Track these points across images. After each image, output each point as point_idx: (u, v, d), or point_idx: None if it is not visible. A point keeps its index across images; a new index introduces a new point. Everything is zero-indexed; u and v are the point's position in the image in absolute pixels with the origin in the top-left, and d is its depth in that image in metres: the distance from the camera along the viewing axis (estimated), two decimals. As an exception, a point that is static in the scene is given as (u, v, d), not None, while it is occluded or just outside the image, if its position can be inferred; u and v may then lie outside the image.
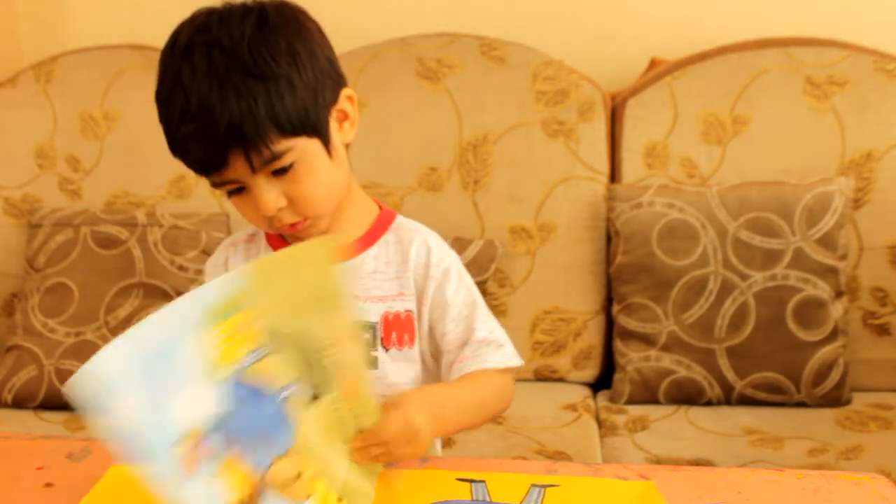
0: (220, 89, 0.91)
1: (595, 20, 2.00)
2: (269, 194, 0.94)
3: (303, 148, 0.95)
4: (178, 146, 0.96)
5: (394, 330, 1.03)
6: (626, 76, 1.95)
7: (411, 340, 1.04)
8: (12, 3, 2.15)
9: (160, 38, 2.14)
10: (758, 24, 1.89)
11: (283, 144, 0.93)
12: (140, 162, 1.92)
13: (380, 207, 1.09)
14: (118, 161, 1.93)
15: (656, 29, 1.98)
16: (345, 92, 1.01)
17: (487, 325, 1.05)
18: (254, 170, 0.93)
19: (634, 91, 1.85)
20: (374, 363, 1.02)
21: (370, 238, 1.05)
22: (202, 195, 1.89)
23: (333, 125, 0.99)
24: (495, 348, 1.04)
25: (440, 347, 1.05)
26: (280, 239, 1.06)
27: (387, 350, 1.03)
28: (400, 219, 1.08)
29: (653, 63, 1.92)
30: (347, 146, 1.02)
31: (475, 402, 1.00)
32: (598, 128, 1.84)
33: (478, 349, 1.03)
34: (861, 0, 1.93)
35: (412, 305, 1.04)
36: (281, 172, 0.94)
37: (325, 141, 0.97)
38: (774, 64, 1.80)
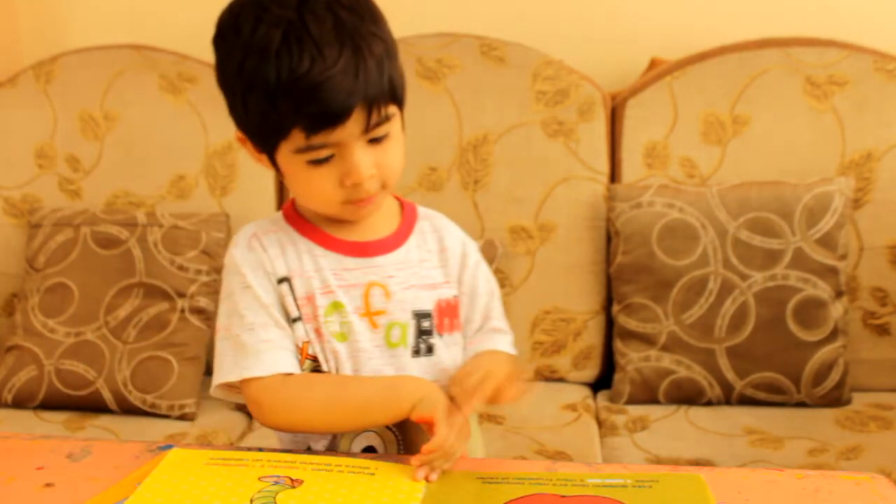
0: (352, 45, 0.92)
1: (595, 20, 2.00)
2: (367, 158, 0.95)
3: (397, 119, 0.98)
4: (300, 95, 0.91)
5: (445, 316, 1.05)
6: (626, 76, 1.95)
7: (459, 325, 1.07)
8: (12, 3, 2.15)
9: (160, 38, 2.15)
10: (758, 24, 1.89)
11: (390, 109, 0.96)
12: (140, 162, 1.92)
13: (394, 196, 1.10)
14: (118, 161, 1.93)
15: (656, 29, 1.98)
16: None
17: (501, 316, 1.10)
18: (367, 129, 0.93)
19: (634, 91, 1.85)
20: (431, 350, 1.03)
21: (406, 228, 1.06)
22: (202, 195, 1.89)
23: None
24: (504, 338, 1.09)
25: (464, 330, 1.08)
26: (311, 226, 1.03)
27: (441, 336, 1.04)
28: (420, 208, 1.10)
29: (653, 63, 1.92)
30: None
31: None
32: (598, 128, 1.84)
33: (491, 334, 1.08)
34: (861, 0, 1.93)
35: (455, 291, 1.06)
36: (376, 140, 0.95)
37: (402, 112, 1.00)
38: (774, 64, 1.80)
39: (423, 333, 1.03)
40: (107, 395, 1.72)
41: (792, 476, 0.91)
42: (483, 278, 1.08)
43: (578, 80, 1.85)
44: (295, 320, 1.01)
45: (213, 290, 1.80)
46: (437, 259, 1.06)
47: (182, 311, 1.76)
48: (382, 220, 1.05)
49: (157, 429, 1.67)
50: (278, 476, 0.89)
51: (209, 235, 1.81)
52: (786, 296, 1.67)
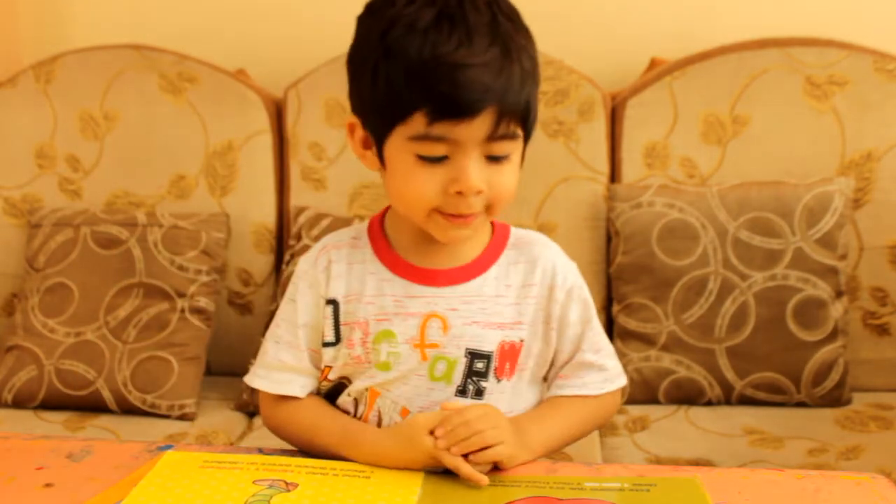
0: (503, 45, 0.89)
1: (595, 20, 2.00)
2: (481, 172, 0.90)
3: (519, 144, 0.94)
4: (436, 74, 0.87)
5: (507, 360, 0.99)
6: (626, 76, 1.95)
7: (512, 372, 1.01)
8: (12, 3, 2.15)
9: (160, 38, 2.15)
10: (758, 24, 1.89)
11: (520, 130, 0.92)
12: (140, 162, 1.92)
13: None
14: (118, 161, 1.93)
15: (656, 29, 1.98)
16: None
17: (595, 344, 1.04)
18: (490, 138, 0.89)
19: (634, 91, 1.85)
20: (481, 393, 0.99)
21: (490, 257, 1.01)
22: (202, 195, 1.89)
23: None
24: (597, 371, 1.04)
25: (554, 361, 1.04)
26: (387, 245, 1.01)
27: (498, 381, 0.99)
28: (515, 231, 1.04)
29: (653, 63, 1.92)
30: None
31: (567, 426, 1.01)
32: (598, 128, 1.84)
33: (579, 370, 1.03)
34: (861, 0, 1.93)
35: (526, 334, 1.00)
36: (495, 159, 0.91)
37: (525, 146, 0.96)
38: (774, 64, 1.80)
39: (474, 374, 0.98)
40: (107, 395, 1.72)
41: (792, 476, 0.91)
42: (575, 309, 1.02)
43: (578, 80, 1.85)
44: (327, 344, 1.01)
45: (213, 290, 1.80)
46: (514, 296, 1.00)
47: (182, 311, 1.76)
48: (468, 245, 1.00)
49: (157, 429, 1.67)
50: (273, 479, 0.88)
51: (209, 235, 1.81)
52: (786, 296, 1.67)
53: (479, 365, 0.98)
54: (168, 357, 1.73)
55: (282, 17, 2.07)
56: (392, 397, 0.99)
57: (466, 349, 0.97)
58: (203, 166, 1.89)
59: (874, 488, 0.88)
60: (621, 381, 1.06)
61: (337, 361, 1.01)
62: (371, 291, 0.99)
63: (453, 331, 0.97)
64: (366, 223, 1.04)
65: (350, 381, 1.02)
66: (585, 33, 2.00)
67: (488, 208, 0.94)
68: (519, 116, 0.90)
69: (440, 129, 0.88)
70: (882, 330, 1.77)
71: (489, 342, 0.98)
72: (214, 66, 1.94)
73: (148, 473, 0.90)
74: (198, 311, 1.78)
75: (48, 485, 0.92)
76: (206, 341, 1.78)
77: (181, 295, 1.77)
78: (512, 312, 1.00)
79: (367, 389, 1.00)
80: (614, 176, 1.84)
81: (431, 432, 0.91)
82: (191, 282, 1.78)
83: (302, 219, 1.83)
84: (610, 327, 1.81)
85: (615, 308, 1.78)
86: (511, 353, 0.99)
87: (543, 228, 1.82)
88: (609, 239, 1.81)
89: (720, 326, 1.68)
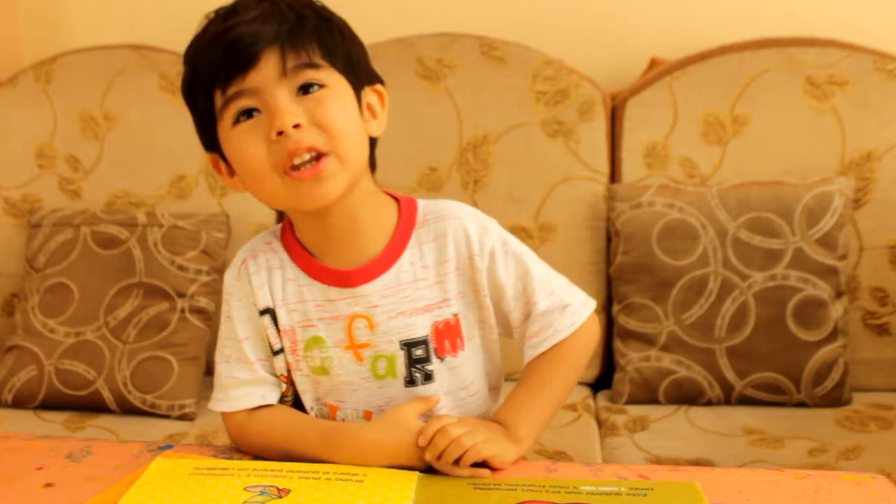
0: (271, 4, 0.91)
1: (595, 20, 2.00)
2: (293, 106, 0.89)
3: (338, 80, 0.92)
4: (213, 52, 0.90)
5: (446, 338, 0.98)
6: (626, 76, 1.95)
7: (462, 344, 1.00)
8: (12, 3, 2.15)
9: (160, 38, 2.15)
10: (758, 24, 1.89)
11: (321, 60, 0.91)
12: (140, 162, 1.92)
13: (395, 199, 1.02)
14: (118, 161, 1.93)
15: (656, 29, 1.98)
16: (377, 86, 1.00)
17: (546, 287, 1.01)
18: (285, 72, 0.89)
19: (634, 91, 1.85)
20: (430, 377, 0.98)
21: (400, 242, 0.98)
22: (202, 195, 1.89)
23: (365, 98, 0.97)
24: (560, 313, 1.01)
25: (509, 324, 1.02)
26: (300, 248, 0.99)
27: (442, 360, 0.99)
28: (422, 206, 1.01)
29: (653, 63, 1.92)
30: (374, 143, 0.99)
31: (550, 400, 1.00)
32: (598, 128, 1.84)
33: (543, 320, 1.00)
34: (861, 0, 1.93)
35: (457, 308, 0.99)
36: (308, 89, 0.90)
37: (358, 95, 0.95)
38: (774, 64, 1.80)
39: (416, 362, 0.98)
40: (107, 395, 1.72)
41: (792, 476, 0.91)
42: (503, 268, 0.99)
43: (578, 80, 1.85)
44: (277, 352, 1.00)
45: (213, 290, 1.80)
46: (434, 275, 0.98)
47: (182, 311, 1.76)
48: (373, 235, 0.98)
49: (157, 429, 1.67)
50: (265, 485, 0.87)
51: (209, 235, 1.81)
52: (786, 296, 1.67)
53: (419, 352, 0.98)
54: (168, 357, 1.73)
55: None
56: (350, 406, 1.00)
57: (400, 341, 0.97)
58: (203, 166, 1.89)
59: (874, 488, 0.88)
60: (590, 305, 1.03)
61: (285, 370, 1.01)
62: (293, 298, 0.99)
63: (381, 327, 0.97)
64: (278, 227, 1.03)
65: (301, 394, 1.02)
66: (585, 33, 2.00)
67: (333, 151, 0.90)
68: (310, 50, 0.90)
69: (233, 87, 0.89)
70: (882, 330, 1.77)
71: (421, 328, 0.97)
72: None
73: (136, 481, 0.89)
74: (198, 311, 1.78)
75: (48, 485, 0.91)
76: (206, 341, 1.78)
77: (181, 295, 1.77)
78: (436, 292, 0.98)
79: (325, 405, 1.01)
80: (614, 176, 1.84)
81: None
82: (191, 282, 1.78)
83: (302, 219, 1.83)
84: (610, 327, 1.81)
85: (615, 308, 1.78)
86: (448, 330, 0.98)
87: (543, 228, 1.82)
88: (609, 239, 1.81)
89: (720, 326, 1.68)
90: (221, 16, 0.92)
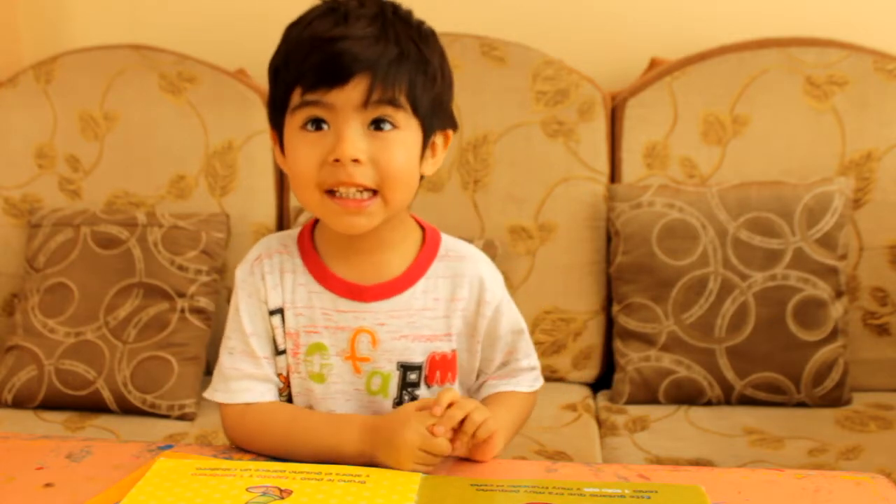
0: (382, 27, 0.92)
1: (595, 20, 2.00)
2: (360, 140, 0.91)
3: (411, 124, 0.94)
4: (309, 48, 0.91)
5: (438, 369, 1.01)
6: (626, 76, 1.95)
7: (453, 378, 1.03)
8: (12, 3, 2.15)
9: (160, 38, 2.15)
10: (758, 24, 1.89)
11: (405, 101, 0.92)
12: (140, 162, 1.92)
13: (420, 225, 1.04)
14: (118, 161, 1.93)
15: (656, 29, 1.98)
16: (450, 132, 1.01)
17: (527, 351, 1.07)
18: (366, 104, 0.90)
19: (634, 91, 1.85)
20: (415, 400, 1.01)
21: (418, 269, 1.01)
22: (202, 195, 1.89)
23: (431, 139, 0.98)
24: (528, 373, 1.08)
25: (483, 369, 1.07)
26: (315, 255, 1.01)
27: (430, 387, 1.01)
28: (446, 241, 1.04)
29: (653, 63, 1.92)
30: (422, 178, 1.00)
31: (515, 420, 1.05)
32: (598, 128, 1.84)
33: (514, 373, 1.06)
34: (861, 0, 1.93)
35: (456, 344, 1.02)
36: (380, 126, 0.91)
37: (426, 143, 0.96)
38: (774, 64, 1.80)
39: (408, 385, 1.00)
40: (107, 395, 1.72)
41: (792, 476, 0.91)
42: (505, 322, 1.04)
43: (578, 80, 1.85)
44: (281, 352, 1.01)
45: (213, 290, 1.80)
46: (443, 309, 1.01)
47: (182, 311, 1.76)
48: (394, 257, 1.00)
49: (157, 429, 1.67)
50: (267, 486, 0.87)
51: (209, 235, 1.81)
52: (786, 296, 1.67)
53: (413, 376, 1.00)
54: (168, 357, 1.73)
55: (282, 17, 2.05)
56: (341, 412, 1.01)
57: (398, 362, 1.00)
58: (203, 166, 1.89)
59: (874, 488, 0.88)
60: (540, 382, 1.10)
61: (285, 370, 1.02)
62: (301, 303, 1.00)
63: (383, 345, 0.99)
64: (297, 230, 1.05)
65: (294, 397, 1.03)
66: (585, 33, 2.00)
67: (381, 192, 0.93)
68: (398, 88, 0.91)
69: (314, 95, 0.91)
70: (882, 330, 1.77)
71: (418, 354, 1.00)
72: (214, 66, 1.94)
73: (139, 482, 0.89)
74: (198, 311, 1.78)
75: (48, 485, 0.91)
76: (206, 341, 1.78)
77: (181, 295, 1.77)
78: (441, 325, 1.01)
79: (311, 408, 1.01)
80: (614, 176, 1.84)
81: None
82: (191, 282, 1.78)
83: (302, 219, 1.83)
84: (610, 327, 1.81)
85: (615, 308, 1.78)
86: (443, 363, 1.01)
87: (543, 228, 1.82)
88: (609, 239, 1.81)
89: (720, 326, 1.68)
90: (332, 16, 0.92)
